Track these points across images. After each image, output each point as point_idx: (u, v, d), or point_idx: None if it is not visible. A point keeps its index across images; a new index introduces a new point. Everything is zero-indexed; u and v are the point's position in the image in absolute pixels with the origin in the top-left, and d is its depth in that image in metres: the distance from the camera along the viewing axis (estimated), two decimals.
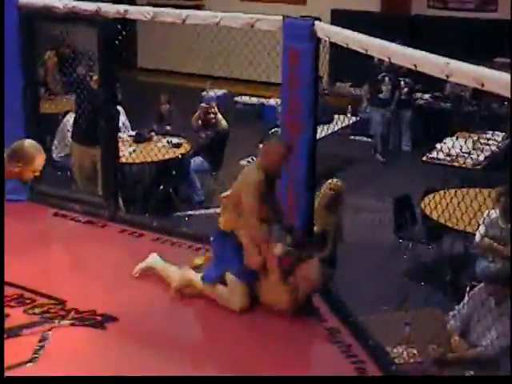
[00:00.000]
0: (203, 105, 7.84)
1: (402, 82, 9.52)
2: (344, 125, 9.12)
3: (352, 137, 9.93)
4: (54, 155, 7.39)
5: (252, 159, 7.89)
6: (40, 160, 3.64)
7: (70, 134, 6.81)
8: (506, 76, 2.86)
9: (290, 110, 4.68)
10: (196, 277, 4.30)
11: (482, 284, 4.43)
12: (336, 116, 8.87)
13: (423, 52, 3.46)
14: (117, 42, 5.31)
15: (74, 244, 5.09)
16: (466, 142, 7.03)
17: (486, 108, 9.30)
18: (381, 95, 9.43)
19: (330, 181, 5.44)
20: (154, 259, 4.59)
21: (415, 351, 4.07)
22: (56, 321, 3.96)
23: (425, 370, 3.93)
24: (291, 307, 4.01)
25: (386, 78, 9.35)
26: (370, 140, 9.92)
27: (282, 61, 4.64)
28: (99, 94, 5.57)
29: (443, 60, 3.25)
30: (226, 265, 4.17)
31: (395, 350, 4.04)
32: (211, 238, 4.39)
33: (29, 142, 3.65)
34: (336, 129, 8.43)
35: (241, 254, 4.11)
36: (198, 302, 4.27)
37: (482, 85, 2.97)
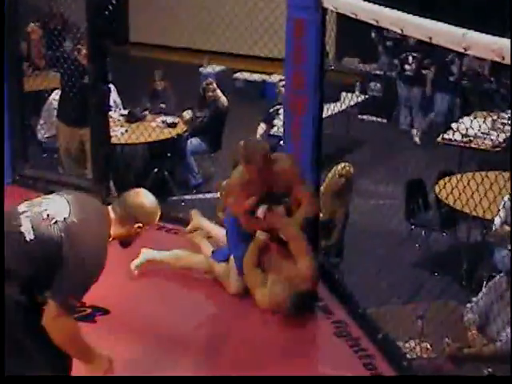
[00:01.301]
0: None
1: (410, 57, 9.48)
2: (352, 103, 9.08)
3: (361, 116, 9.90)
4: (40, 136, 7.37)
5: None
6: (158, 216, 3.08)
7: (55, 113, 6.77)
8: None
9: (294, 87, 4.65)
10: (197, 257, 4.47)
11: (502, 274, 4.41)
12: (343, 94, 8.83)
13: (439, 23, 3.43)
14: (107, 12, 5.27)
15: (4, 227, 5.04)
16: (484, 121, 6.99)
17: (506, 85, 9.25)
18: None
19: (340, 166, 5.37)
20: (146, 254, 4.59)
21: (429, 346, 4.06)
22: None
23: (439, 365, 3.93)
24: (278, 308, 4.02)
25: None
26: (380, 120, 9.89)
27: (286, 33, 4.61)
28: (88, 70, 5.54)
29: (460, 31, 3.22)
30: (229, 248, 4.35)
31: (407, 345, 4.02)
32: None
33: (149, 200, 3.03)
34: (344, 107, 8.39)
35: (239, 240, 4.17)
36: (194, 292, 4.27)
37: (503, 58, 2.93)
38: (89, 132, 5.74)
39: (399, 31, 3.74)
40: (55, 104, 6.95)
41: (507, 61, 2.93)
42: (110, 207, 2.98)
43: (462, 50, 3.21)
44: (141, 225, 2.98)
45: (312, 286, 4.12)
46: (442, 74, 9.18)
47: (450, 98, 9.23)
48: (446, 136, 7.55)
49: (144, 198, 3.02)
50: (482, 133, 6.91)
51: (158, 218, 3.07)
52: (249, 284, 4.17)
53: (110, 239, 2.95)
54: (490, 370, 3.75)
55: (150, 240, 4.62)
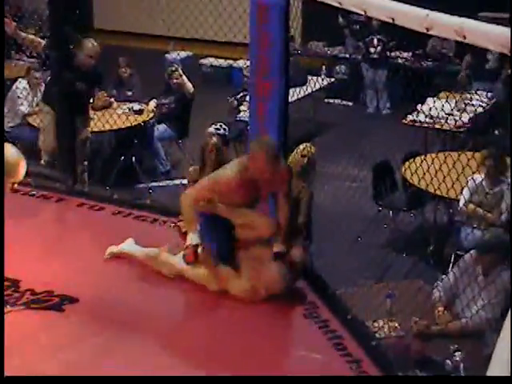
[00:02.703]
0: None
1: (375, 39, 9.51)
2: (319, 87, 9.09)
3: (327, 100, 9.92)
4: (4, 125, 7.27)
5: (220, 126, 7.84)
6: (23, 169, 3.26)
7: (20, 102, 6.69)
8: (489, 27, 2.84)
9: (259, 72, 4.64)
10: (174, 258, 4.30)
11: (469, 253, 4.47)
12: (310, 77, 8.84)
13: (401, 3, 3.44)
14: None
15: (27, 220, 5.01)
16: (448, 102, 7.05)
17: (470, 66, 9.31)
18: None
19: (301, 146, 5.40)
20: (127, 247, 4.53)
21: (397, 324, 4.10)
22: (8, 305, 3.90)
23: (407, 343, 3.98)
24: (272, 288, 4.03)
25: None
26: (346, 103, 9.92)
27: (250, 18, 4.59)
28: (51, 58, 5.47)
29: (423, 12, 3.23)
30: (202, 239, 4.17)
31: (376, 324, 4.07)
32: None
33: (10, 152, 3.19)
34: (310, 91, 8.39)
35: (212, 231, 4.14)
36: (166, 278, 4.25)
37: (464, 37, 2.95)
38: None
39: (362, 13, 3.75)
40: (18, 92, 6.87)
41: (469, 40, 2.95)
42: None
43: (425, 31, 3.23)
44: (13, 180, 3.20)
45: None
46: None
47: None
48: (410, 117, 7.61)
49: (6, 151, 3.19)
50: (445, 114, 6.97)
51: (23, 171, 3.25)
52: (219, 276, 4.11)
53: None
54: (456, 346, 3.80)
55: (120, 227, 4.63)
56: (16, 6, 8.99)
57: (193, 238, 4.08)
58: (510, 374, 2.35)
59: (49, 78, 6.33)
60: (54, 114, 5.91)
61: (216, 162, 5.02)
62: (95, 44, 5.84)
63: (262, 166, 3.92)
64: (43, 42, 5.85)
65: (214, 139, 5.13)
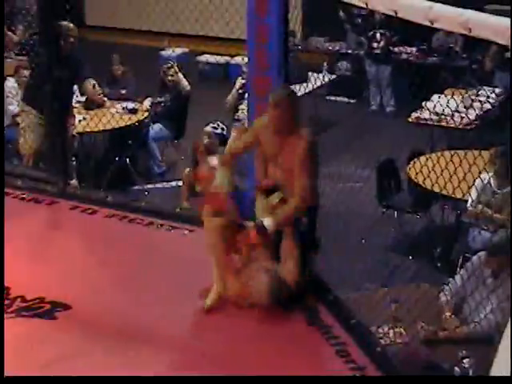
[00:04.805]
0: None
1: (378, 34, 9.51)
2: (320, 84, 9.08)
3: (329, 97, 9.92)
4: None
5: (218, 125, 7.83)
6: None
7: (8, 101, 6.66)
8: (495, 20, 2.85)
9: (258, 68, 4.65)
10: None
11: (477, 255, 4.46)
12: (311, 74, 8.83)
13: None
14: None
15: (17, 224, 5.00)
16: (455, 99, 7.05)
17: (479, 62, 9.31)
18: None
19: None
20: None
21: (402, 330, 4.10)
22: None
23: (413, 350, 3.97)
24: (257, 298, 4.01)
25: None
26: (349, 100, 9.92)
27: (247, 12, 4.59)
28: (41, 56, 5.48)
29: (427, 4, 3.23)
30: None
31: (380, 330, 4.06)
32: None
33: None
34: (311, 88, 8.39)
35: None
36: (160, 287, 4.25)
37: (470, 30, 2.95)
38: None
39: (364, 5, 3.75)
40: (7, 91, 6.86)
41: (474, 33, 2.95)
42: None
43: (429, 24, 3.23)
44: None
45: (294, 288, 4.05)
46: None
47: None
48: (416, 115, 7.60)
49: None
50: (452, 111, 6.97)
51: None
52: (218, 268, 4.08)
53: None
54: (464, 352, 3.79)
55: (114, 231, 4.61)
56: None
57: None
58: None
59: (29, 76, 6.34)
60: (36, 113, 5.93)
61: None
62: (72, 26, 5.82)
63: (271, 112, 3.81)
64: (15, 37, 5.85)
65: (205, 140, 5.13)
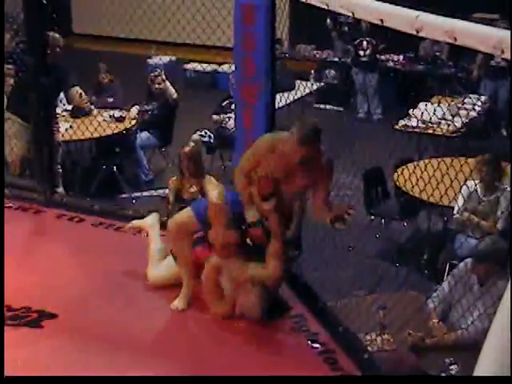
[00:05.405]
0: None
1: (365, 42, 9.56)
2: (307, 92, 9.12)
3: (317, 105, 9.96)
4: None
5: (205, 132, 7.85)
6: None
7: None
8: (480, 29, 2.87)
9: (244, 76, 4.66)
10: None
11: (463, 262, 4.49)
12: (298, 82, 8.87)
13: (390, 5, 3.46)
14: (45, 1, 5.22)
15: (4, 233, 5.00)
16: (441, 107, 7.10)
17: (465, 70, 9.39)
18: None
19: None
20: (152, 221, 4.57)
21: (390, 337, 4.12)
22: None
23: (400, 357, 3.99)
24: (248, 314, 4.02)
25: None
26: (337, 108, 9.96)
27: (234, 20, 4.62)
28: (28, 64, 5.48)
29: (413, 13, 3.26)
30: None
31: (368, 337, 4.08)
32: None
33: None
34: (299, 96, 8.42)
35: None
36: (147, 296, 4.25)
37: (455, 39, 2.98)
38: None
39: (350, 14, 3.78)
40: None
41: (459, 42, 2.98)
42: None
43: (415, 32, 3.26)
44: None
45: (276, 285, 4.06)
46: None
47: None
48: (403, 122, 7.65)
49: None
50: (439, 118, 7.02)
51: None
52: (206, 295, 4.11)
53: None
54: (452, 359, 3.82)
55: (101, 239, 4.61)
56: None
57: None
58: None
59: (13, 85, 6.34)
60: (21, 122, 5.93)
61: (195, 170, 5.04)
62: (58, 36, 5.86)
63: (293, 146, 3.72)
64: None
65: (188, 148, 5.13)
